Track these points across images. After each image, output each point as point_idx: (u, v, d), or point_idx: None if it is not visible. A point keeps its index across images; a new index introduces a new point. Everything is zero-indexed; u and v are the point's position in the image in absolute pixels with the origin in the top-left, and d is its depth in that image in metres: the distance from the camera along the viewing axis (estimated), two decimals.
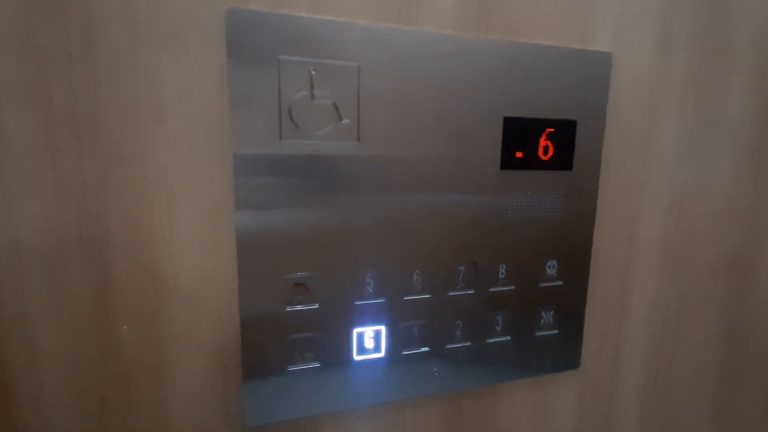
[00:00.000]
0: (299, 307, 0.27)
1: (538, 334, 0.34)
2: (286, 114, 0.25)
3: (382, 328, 0.29)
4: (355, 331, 0.29)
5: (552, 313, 0.34)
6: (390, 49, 0.26)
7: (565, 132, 0.31)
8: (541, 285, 0.33)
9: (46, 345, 0.24)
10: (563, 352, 0.35)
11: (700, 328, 0.40)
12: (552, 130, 0.31)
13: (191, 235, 0.25)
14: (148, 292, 0.25)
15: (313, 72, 0.25)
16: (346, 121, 0.26)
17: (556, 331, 0.34)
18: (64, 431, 0.25)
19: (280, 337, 0.27)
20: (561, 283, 0.34)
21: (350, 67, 0.26)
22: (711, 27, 0.34)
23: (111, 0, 0.22)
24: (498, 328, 0.33)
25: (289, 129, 0.25)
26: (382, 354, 0.30)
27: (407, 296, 0.30)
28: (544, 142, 0.31)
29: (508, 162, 0.30)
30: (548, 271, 0.33)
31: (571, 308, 0.35)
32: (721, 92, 0.36)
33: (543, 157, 0.31)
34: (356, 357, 0.29)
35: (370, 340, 0.29)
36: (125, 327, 0.25)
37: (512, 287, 0.32)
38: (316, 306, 0.27)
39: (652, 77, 0.33)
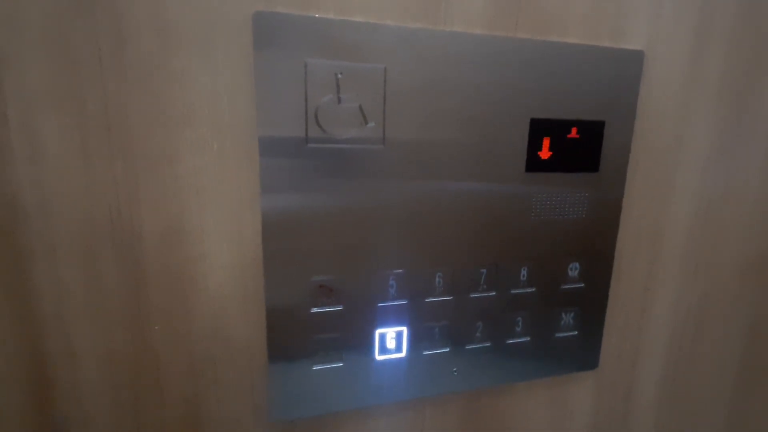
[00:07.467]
0: (324, 309, 0.27)
1: (558, 335, 0.34)
2: (313, 117, 0.25)
3: (404, 329, 0.30)
4: (378, 331, 0.29)
5: (572, 314, 0.34)
6: (417, 50, 0.26)
7: (592, 133, 0.30)
8: (563, 287, 0.33)
9: (82, 343, 0.24)
10: (582, 352, 0.35)
11: (721, 330, 0.40)
12: (579, 131, 0.30)
13: (220, 236, 0.25)
14: (178, 291, 0.25)
15: (339, 75, 0.25)
16: (371, 124, 0.26)
17: (576, 332, 0.34)
18: (100, 425, 0.26)
19: (305, 338, 0.28)
20: (583, 285, 0.34)
21: (376, 68, 0.25)
22: (748, 25, 0.33)
23: (140, 5, 0.22)
24: (518, 329, 0.33)
25: (315, 132, 0.25)
26: (403, 354, 0.30)
27: (429, 298, 0.30)
28: (571, 144, 0.30)
29: (533, 163, 0.30)
30: (570, 272, 0.33)
31: (591, 309, 0.35)
32: (757, 93, 0.34)
33: (569, 159, 0.30)
34: (378, 357, 0.29)
35: (391, 340, 0.30)
36: (157, 327, 0.25)
37: (533, 289, 0.32)
38: (340, 307, 0.28)
39: (685, 76, 0.32)
